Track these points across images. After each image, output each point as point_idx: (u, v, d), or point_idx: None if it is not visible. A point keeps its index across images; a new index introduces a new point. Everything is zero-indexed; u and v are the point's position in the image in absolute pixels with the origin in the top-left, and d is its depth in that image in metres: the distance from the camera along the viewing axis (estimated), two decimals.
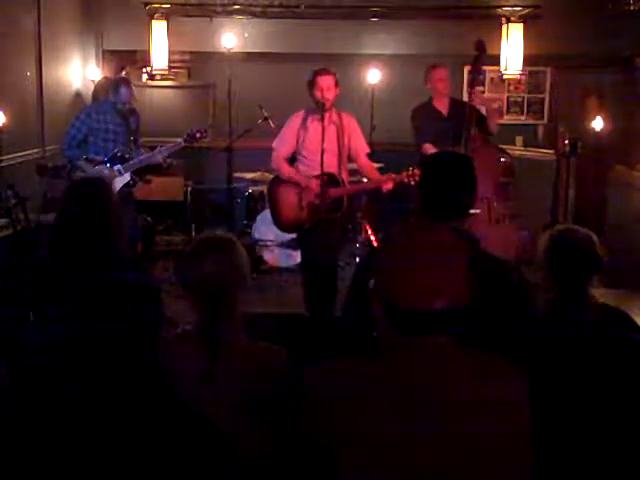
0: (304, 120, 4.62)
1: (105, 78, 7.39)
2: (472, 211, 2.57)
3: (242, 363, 2.05)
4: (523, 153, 7.22)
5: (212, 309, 2.09)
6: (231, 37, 7.01)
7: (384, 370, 1.53)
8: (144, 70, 7.77)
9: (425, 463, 1.46)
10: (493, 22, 7.62)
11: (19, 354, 2.46)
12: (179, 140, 5.48)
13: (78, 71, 7.55)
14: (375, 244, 5.93)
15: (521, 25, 7.57)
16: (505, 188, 5.10)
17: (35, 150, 6.33)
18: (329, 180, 4.54)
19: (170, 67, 7.71)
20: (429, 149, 4.81)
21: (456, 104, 5.27)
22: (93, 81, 7.65)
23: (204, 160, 7.66)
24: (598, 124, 5.75)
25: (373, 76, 7.08)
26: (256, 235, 6.38)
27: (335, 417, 1.52)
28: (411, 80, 6.40)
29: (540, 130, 8.07)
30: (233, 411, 1.99)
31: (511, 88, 8.03)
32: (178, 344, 2.18)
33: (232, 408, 2.00)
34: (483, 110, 5.24)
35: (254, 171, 6.66)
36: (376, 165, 5.04)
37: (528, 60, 7.62)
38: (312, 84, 4.52)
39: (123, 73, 7.56)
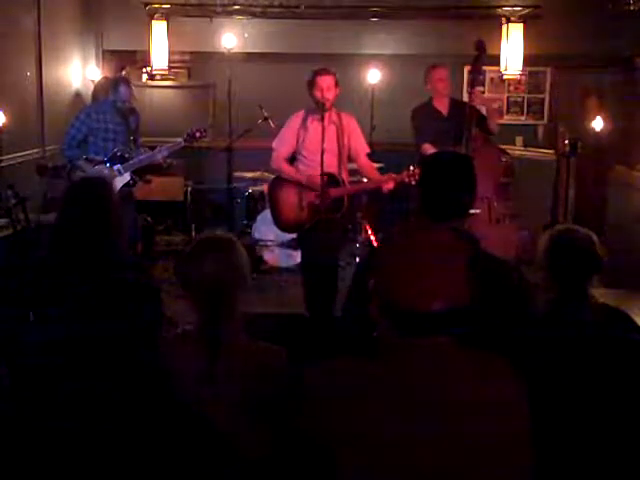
0: (304, 120, 4.62)
1: (105, 78, 7.39)
2: (472, 211, 2.57)
3: (242, 363, 2.05)
4: (523, 153, 7.22)
5: (212, 309, 2.09)
6: (231, 37, 7.01)
7: (384, 370, 1.53)
8: (144, 70, 7.77)
9: (425, 463, 1.46)
10: (493, 22, 7.62)
11: (19, 354, 2.46)
12: (179, 140, 5.48)
13: (78, 71, 7.55)
14: (375, 244, 5.93)
15: (521, 25, 7.57)
16: (505, 188, 5.10)
17: (35, 150, 6.33)
18: (329, 180, 4.54)
19: (170, 67, 7.71)
20: (428, 149, 4.81)
21: (456, 104, 5.27)
22: (93, 81, 7.65)
23: (204, 160, 7.66)
24: (598, 124, 5.75)
25: (373, 76, 7.08)
26: (256, 235, 6.38)
27: (335, 417, 1.52)
28: (411, 80, 6.40)
29: (540, 130, 8.07)
30: (233, 411, 1.99)
31: (511, 88, 8.03)
32: (178, 344, 2.18)
33: (232, 408, 2.00)
34: (483, 110, 5.24)
35: (254, 171, 6.67)
36: (376, 165, 5.05)
37: (528, 60, 7.62)
38: (312, 84, 4.52)
39: (123, 73, 7.57)
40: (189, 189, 7.38)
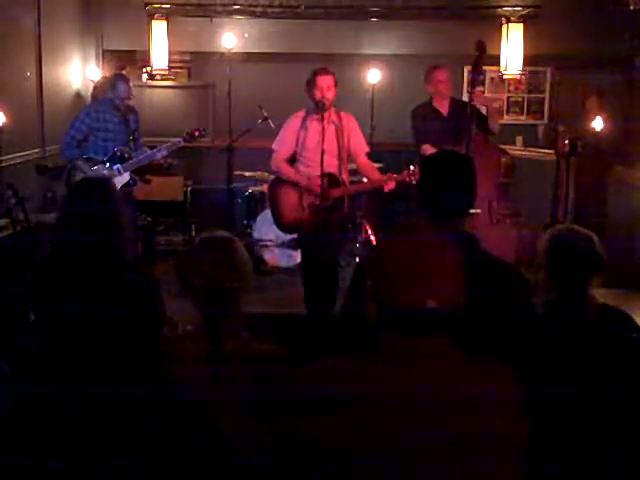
0: (304, 120, 4.62)
1: (104, 78, 7.39)
2: (472, 211, 2.57)
3: (243, 363, 2.05)
4: (523, 153, 7.21)
5: (213, 309, 2.09)
6: (231, 37, 7.01)
7: (383, 370, 1.53)
8: (144, 70, 7.77)
9: (424, 463, 1.46)
10: (493, 22, 7.62)
11: (19, 354, 2.46)
12: (178, 139, 5.49)
13: (78, 71, 7.54)
14: (375, 244, 5.93)
15: (521, 25, 7.57)
16: (505, 188, 5.10)
17: (35, 150, 6.33)
18: (329, 180, 4.54)
19: (170, 67, 7.71)
20: (428, 150, 4.81)
21: (456, 104, 5.27)
22: (93, 81, 7.65)
23: (204, 160, 7.66)
24: (598, 124, 5.75)
25: (373, 76, 7.08)
26: (256, 235, 6.38)
27: (334, 418, 1.52)
28: (411, 80, 6.41)
29: (540, 130, 8.07)
30: (233, 411, 1.99)
31: (511, 88, 8.03)
32: (179, 344, 2.18)
33: (233, 408, 1.99)
34: (483, 110, 5.24)
35: (254, 171, 6.68)
36: (376, 165, 5.04)
37: (528, 60, 7.61)
38: (312, 84, 4.52)
39: (123, 72, 7.56)
40: (189, 189, 7.38)
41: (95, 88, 7.56)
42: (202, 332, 2.10)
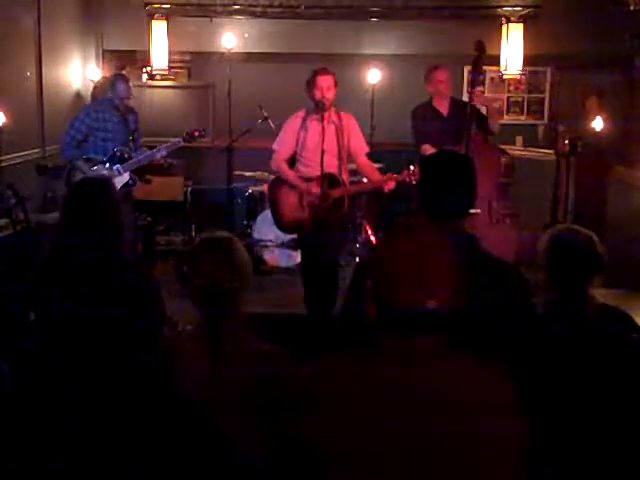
0: (304, 120, 4.62)
1: (104, 78, 7.40)
2: (472, 211, 2.57)
3: (244, 363, 2.05)
4: (523, 153, 7.21)
5: (214, 309, 2.09)
6: (231, 37, 7.01)
7: (382, 370, 1.53)
8: (144, 70, 7.77)
9: (423, 463, 1.46)
10: (493, 22, 7.62)
11: (20, 353, 2.47)
12: (178, 139, 5.49)
13: (78, 71, 7.54)
14: (375, 243, 5.93)
15: (521, 25, 7.56)
16: (505, 188, 5.10)
17: (35, 150, 6.33)
18: (330, 180, 4.54)
19: (170, 67, 7.71)
20: (428, 150, 4.81)
21: (456, 104, 5.27)
22: (93, 81, 7.65)
23: (204, 160, 7.66)
24: (598, 124, 5.75)
25: (373, 76, 7.08)
26: (256, 235, 6.38)
27: (334, 418, 1.52)
28: (411, 80, 6.40)
29: (540, 130, 8.07)
30: (233, 411, 1.99)
31: (511, 88, 8.03)
32: (179, 344, 2.18)
33: (233, 408, 1.99)
34: (483, 110, 5.24)
35: (254, 171, 6.68)
36: (376, 165, 5.04)
37: (528, 60, 7.61)
38: (312, 84, 4.52)
39: (123, 72, 7.56)
40: (189, 189, 7.37)
41: (95, 88, 7.56)
42: (202, 332, 2.10)
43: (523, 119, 8.05)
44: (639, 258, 5.41)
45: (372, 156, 4.91)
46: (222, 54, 7.00)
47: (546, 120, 8.04)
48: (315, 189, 4.53)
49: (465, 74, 7.37)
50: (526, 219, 5.21)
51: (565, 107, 7.87)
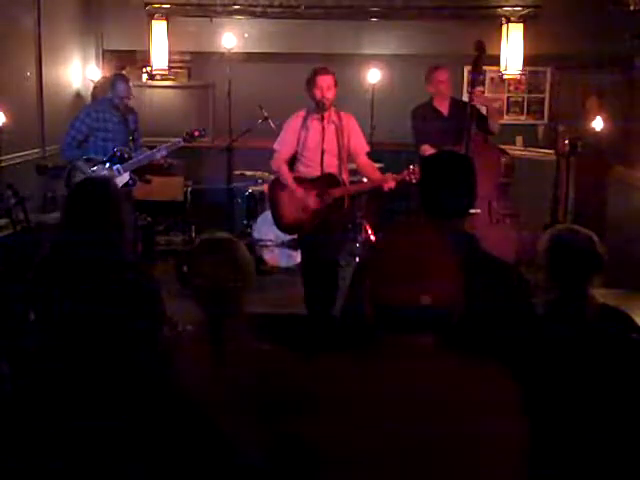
0: (305, 120, 4.62)
1: (104, 78, 7.40)
2: (472, 211, 2.57)
3: (245, 363, 2.05)
4: (523, 153, 7.21)
5: (215, 309, 2.09)
6: (231, 37, 7.01)
7: (380, 369, 1.53)
8: (144, 70, 7.77)
9: (422, 463, 1.46)
10: (493, 22, 7.61)
11: (20, 353, 2.47)
12: (178, 139, 5.49)
13: (78, 71, 7.54)
14: (374, 243, 5.93)
15: (521, 25, 7.56)
16: (505, 188, 5.11)
17: (35, 150, 6.33)
18: (330, 180, 4.54)
19: (170, 67, 7.71)
20: (427, 150, 4.81)
21: (456, 104, 5.27)
22: (93, 81, 7.65)
23: (204, 160, 7.66)
24: (598, 124, 5.75)
25: (373, 76, 7.08)
26: (257, 235, 6.38)
27: (334, 417, 1.52)
28: (411, 80, 6.41)
29: (540, 130, 8.06)
30: (234, 411, 1.99)
31: (511, 88, 8.03)
32: (179, 344, 2.17)
33: (233, 408, 1.99)
34: (483, 110, 5.24)
35: (254, 171, 6.68)
36: (376, 165, 5.04)
37: (528, 60, 7.61)
38: (312, 83, 4.52)
39: (123, 72, 7.56)
40: (189, 189, 7.37)
41: (95, 88, 7.56)
42: (204, 332, 2.10)
43: (523, 119, 8.05)
44: (639, 258, 5.41)
45: (372, 156, 4.91)
46: (222, 54, 7.00)
47: (546, 120, 8.03)
48: (312, 199, 4.54)
49: (465, 74, 7.37)
50: (526, 219, 5.22)
51: (565, 107, 7.86)
